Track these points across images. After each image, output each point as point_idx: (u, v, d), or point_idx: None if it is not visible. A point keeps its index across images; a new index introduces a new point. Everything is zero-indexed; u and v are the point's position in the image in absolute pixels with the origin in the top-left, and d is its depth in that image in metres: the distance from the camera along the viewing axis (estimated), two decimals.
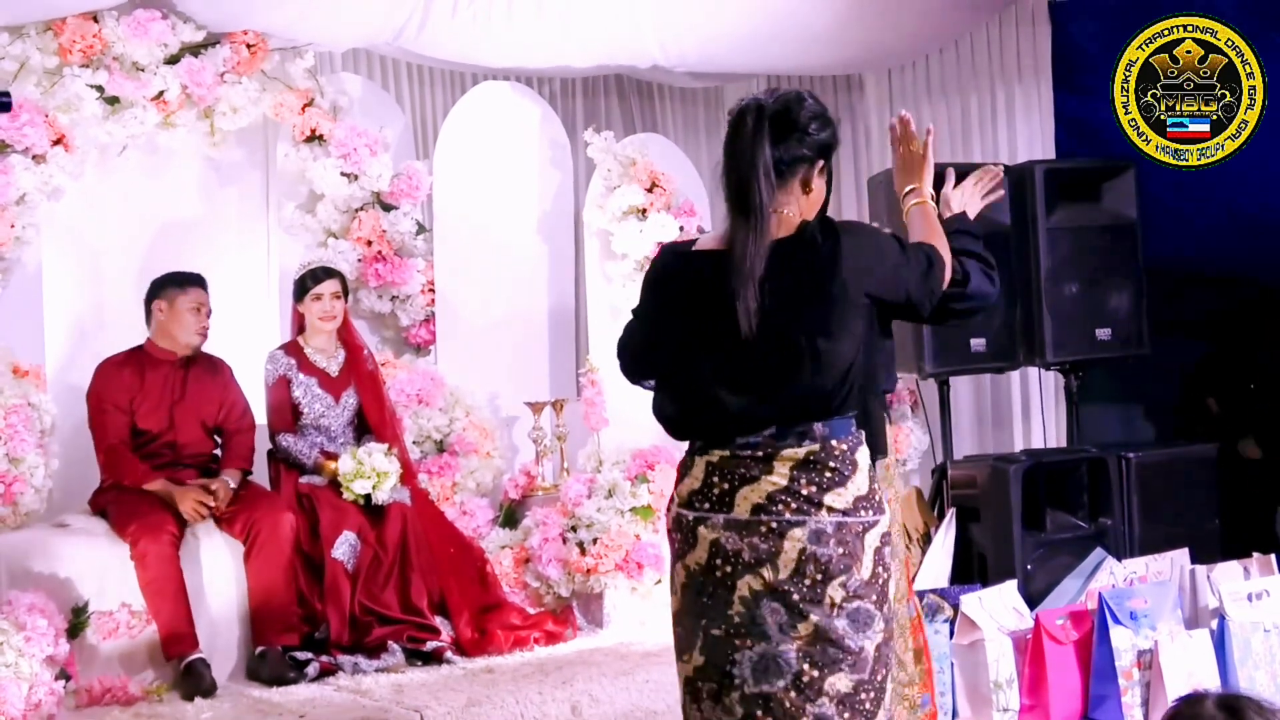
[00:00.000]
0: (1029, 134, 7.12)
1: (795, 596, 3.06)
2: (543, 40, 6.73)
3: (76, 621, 5.12)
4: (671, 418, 3.22)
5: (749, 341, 3.04)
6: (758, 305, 3.03)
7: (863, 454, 3.15)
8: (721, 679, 3.09)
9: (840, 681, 3.07)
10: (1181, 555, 5.52)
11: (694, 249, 3.22)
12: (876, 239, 3.20)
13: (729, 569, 3.08)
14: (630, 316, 3.36)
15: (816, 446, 3.09)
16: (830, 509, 3.07)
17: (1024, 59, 7.13)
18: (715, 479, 3.10)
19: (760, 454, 3.09)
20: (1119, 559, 5.49)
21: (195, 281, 5.72)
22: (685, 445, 3.26)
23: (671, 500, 3.22)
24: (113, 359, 5.67)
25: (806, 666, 3.06)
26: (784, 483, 3.07)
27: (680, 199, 6.83)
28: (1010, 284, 5.99)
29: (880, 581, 3.13)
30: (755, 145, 3.07)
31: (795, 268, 3.07)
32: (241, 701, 5.06)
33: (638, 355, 3.33)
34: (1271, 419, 7.06)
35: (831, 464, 3.09)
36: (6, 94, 2.79)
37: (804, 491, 3.07)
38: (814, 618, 3.05)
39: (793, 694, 3.05)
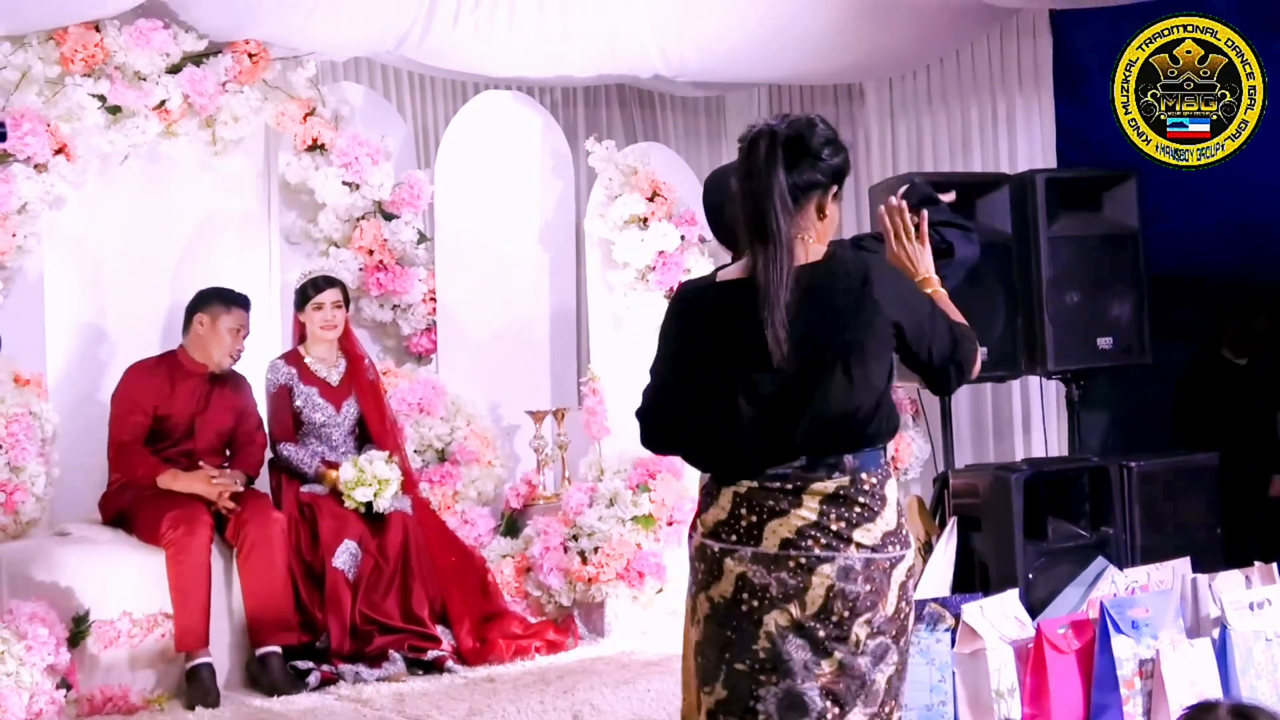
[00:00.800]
0: (1030, 143, 7.12)
1: (821, 634, 3.01)
2: (544, 50, 6.74)
3: (77, 630, 5.12)
4: (702, 448, 3.16)
5: (780, 369, 3.00)
6: (787, 332, 2.98)
7: (891, 487, 3.11)
8: (744, 714, 3.04)
9: (856, 716, 3.05)
10: (1183, 564, 5.50)
11: (717, 280, 3.17)
12: (905, 279, 3.19)
13: (755, 604, 3.02)
14: (648, 379, 3.24)
15: (846, 480, 3.05)
16: (859, 545, 3.03)
17: (1025, 68, 7.14)
18: (743, 510, 3.04)
19: (790, 486, 3.04)
20: (1120, 568, 5.48)
21: (241, 303, 5.79)
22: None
23: (694, 528, 3.15)
24: (144, 363, 5.73)
25: (829, 704, 3.03)
26: (814, 517, 3.02)
27: (681, 208, 6.83)
28: (1011, 293, 5.99)
29: (902, 616, 3.10)
30: (770, 172, 3.03)
31: (824, 293, 3.04)
32: (242, 710, 5.06)
33: (669, 412, 3.19)
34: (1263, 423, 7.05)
35: (861, 499, 3.05)
36: (2, 124, 2.77)
37: (834, 527, 3.02)
38: (838, 655, 3.02)
39: None
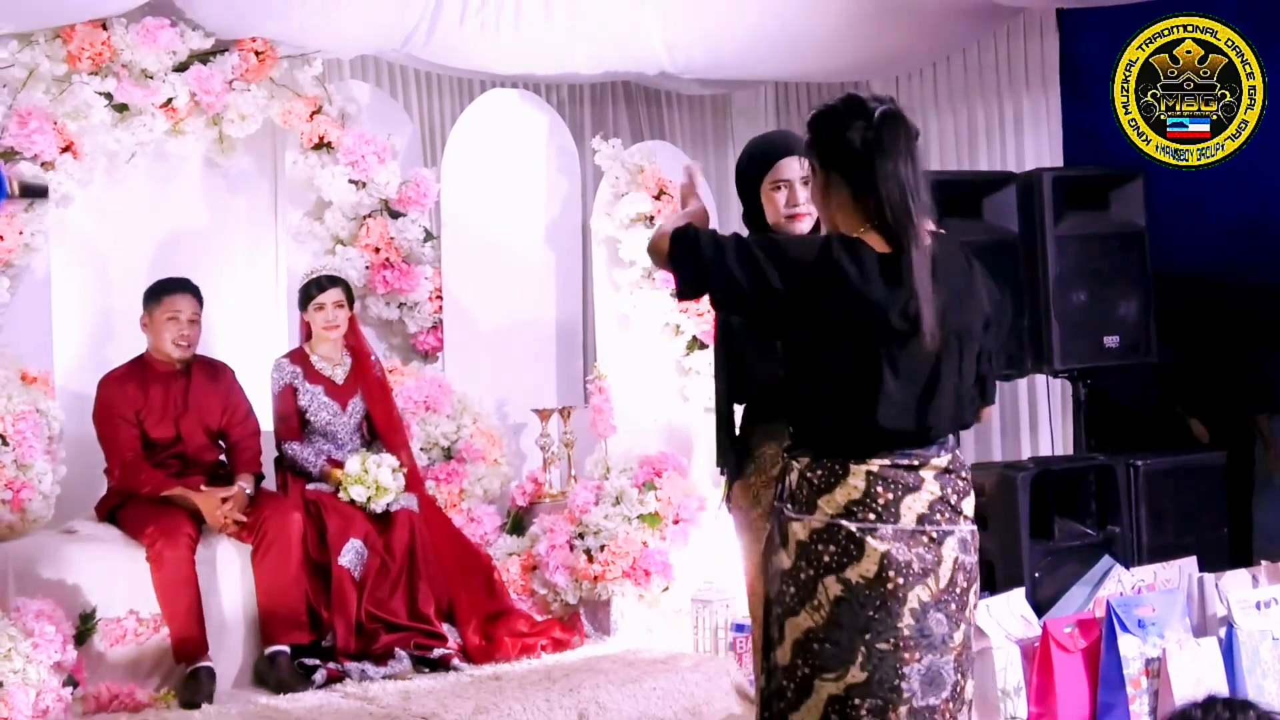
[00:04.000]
0: (1037, 143, 7.12)
1: (953, 606, 3.06)
2: (550, 47, 6.74)
3: (84, 628, 5.12)
4: (838, 422, 3.07)
5: (923, 352, 3.02)
6: (932, 310, 3.02)
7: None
8: (889, 694, 3.02)
9: (971, 686, 3.14)
10: (1189, 563, 5.51)
11: (873, 248, 3.07)
12: (989, 277, 3.27)
13: (900, 580, 3.01)
14: (743, 240, 3.16)
15: (950, 456, 3.11)
16: (966, 517, 3.11)
17: (1032, 67, 7.14)
18: (879, 489, 3.03)
19: (915, 462, 3.06)
20: (1127, 567, 5.49)
21: (170, 289, 5.66)
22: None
23: (808, 509, 3.07)
24: (114, 373, 5.65)
25: (959, 677, 3.09)
26: (938, 491, 3.07)
27: None
28: (1018, 292, 5.99)
29: None
30: (918, 152, 3.10)
31: (944, 274, 3.08)
32: (249, 708, 5.06)
33: (727, 287, 3.09)
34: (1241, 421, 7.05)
35: (962, 473, 3.13)
36: (44, 186, 2.74)
37: (951, 500, 3.09)
38: (964, 627, 3.09)
39: (951, 704, 3.08)
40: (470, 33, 6.45)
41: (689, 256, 3.16)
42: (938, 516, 3.05)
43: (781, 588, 3.10)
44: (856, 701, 3.01)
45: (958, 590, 3.06)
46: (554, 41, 6.67)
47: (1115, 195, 6.22)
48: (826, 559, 3.03)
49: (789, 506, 3.11)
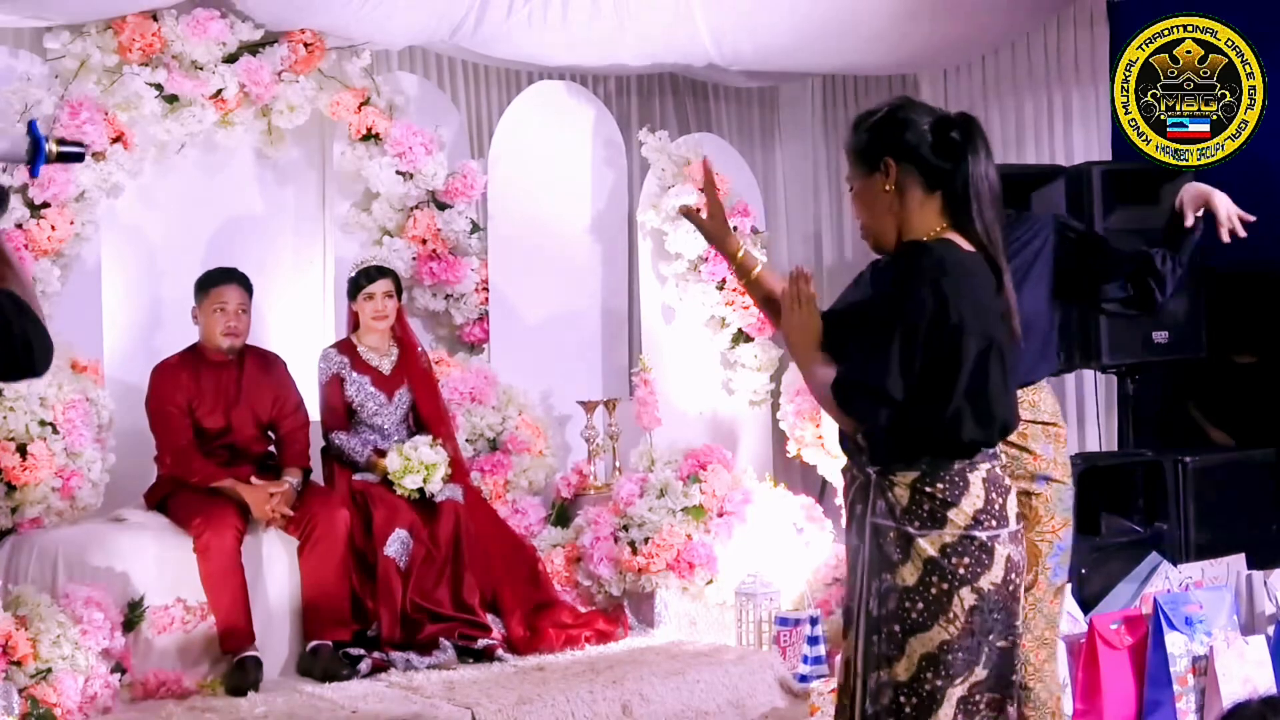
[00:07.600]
0: (1086, 136, 7.07)
1: (1024, 594, 3.16)
2: (598, 39, 6.73)
3: (132, 615, 5.16)
4: (991, 428, 3.04)
5: (1011, 350, 3.07)
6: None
7: None
8: (1006, 688, 3.07)
9: None
10: (1238, 560, 5.47)
11: (964, 248, 3.07)
12: None
13: (1017, 580, 3.06)
14: (882, 351, 3.00)
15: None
16: None
17: (1082, 60, 7.08)
18: (994, 494, 3.03)
19: (1003, 462, 3.11)
20: (1174, 564, 5.45)
21: (218, 280, 5.70)
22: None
23: (936, 524, 3.01)
24: (167, 362, 5.70)
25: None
26: (1012, 486, 3.12)
27: (734, 199, 6.82)
28: None
29: None
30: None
31: None
32: (295, 697, 5.09)
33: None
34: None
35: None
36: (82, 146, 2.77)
37: (1018, 491, 3.20)
38: None
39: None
40: (518, 24, 6.46)
41: (863, 404, 3.05)
42: (1021, 511, 3.16)
43: (902, 605, 3.03)
44: (977, 697, 3.03)
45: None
46: (601, 33, 6.67)
47: (1166, 189, 6.16)
48: (961, 571, 3.00)
49: (909, 523, 3.03)
